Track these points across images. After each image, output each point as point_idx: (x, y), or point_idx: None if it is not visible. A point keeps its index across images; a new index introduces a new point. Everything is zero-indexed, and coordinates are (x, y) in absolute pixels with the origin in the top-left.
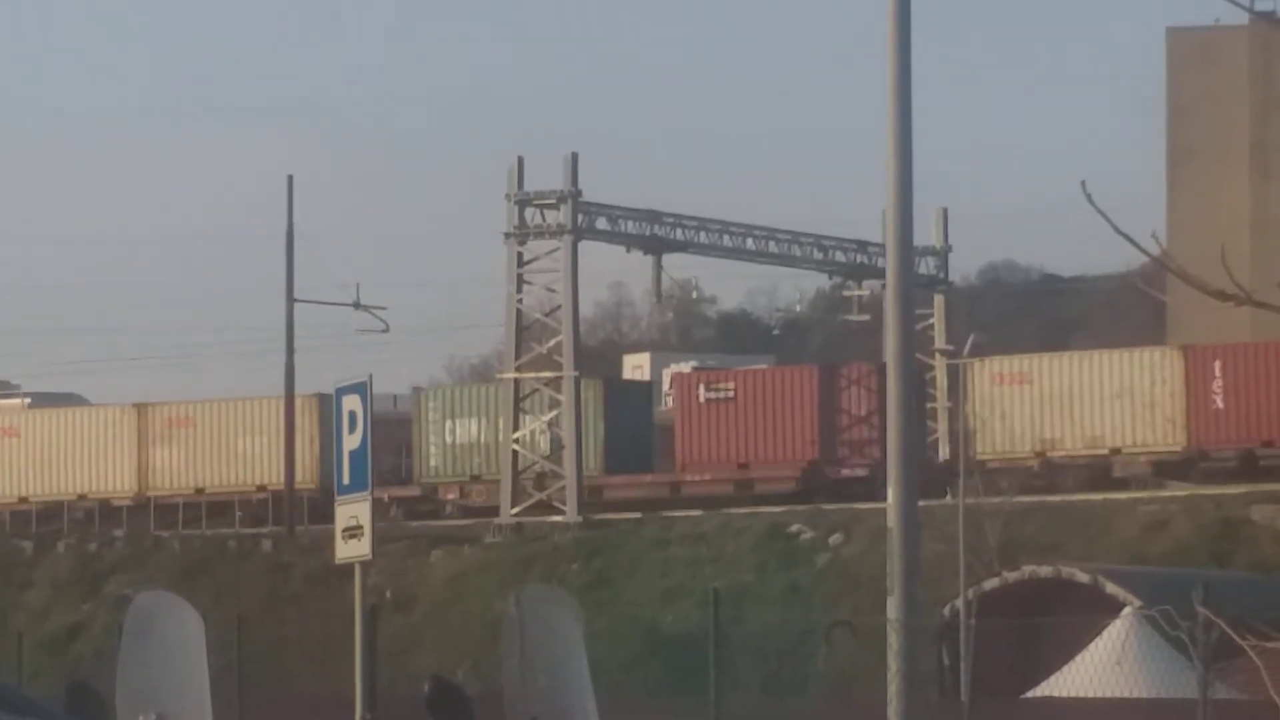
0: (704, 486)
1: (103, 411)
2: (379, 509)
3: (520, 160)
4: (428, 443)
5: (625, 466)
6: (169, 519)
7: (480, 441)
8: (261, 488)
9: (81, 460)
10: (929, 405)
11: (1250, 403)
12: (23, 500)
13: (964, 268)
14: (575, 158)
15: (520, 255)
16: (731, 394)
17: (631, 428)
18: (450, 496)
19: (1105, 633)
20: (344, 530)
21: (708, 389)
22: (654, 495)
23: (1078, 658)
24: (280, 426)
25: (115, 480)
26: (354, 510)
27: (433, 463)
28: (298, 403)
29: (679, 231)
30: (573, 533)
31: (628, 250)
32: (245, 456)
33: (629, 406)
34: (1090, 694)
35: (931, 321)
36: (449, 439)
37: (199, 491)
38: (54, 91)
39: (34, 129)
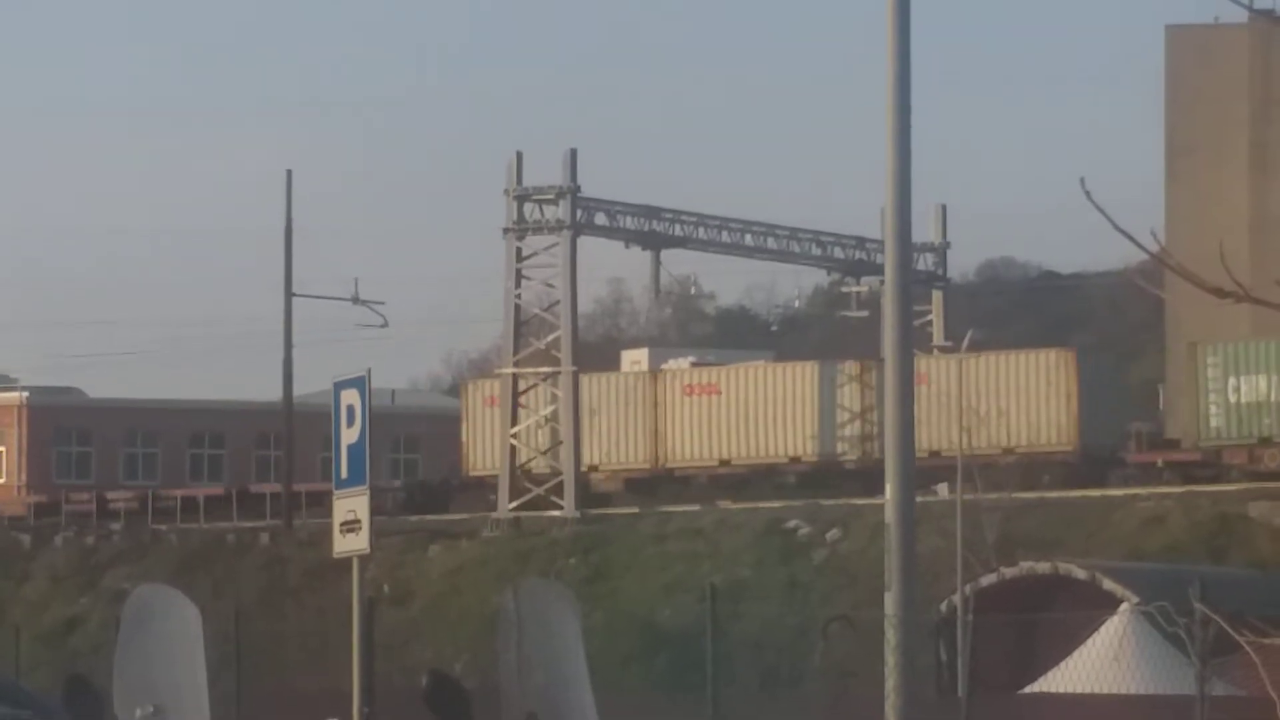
0: None
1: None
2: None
3: (519, 155)
4: (1207, 402)
5: None
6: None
7: (1271, 400)
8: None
9: (775, 419)
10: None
11: None
12: (724, 463)
13: (962, 264)
14: (574, 153)
15: (519, 250)
16: None
17: None
18: (1236, 461)
19: (1103, 629)
20: (342, 524)
21: None
22: None
23: (1075, 653)
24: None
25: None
26: (352, 504)
27: (1214, 424)
28: (1051, 356)
29: (678, 227)
30: (570, 527)
31: (626, 246)
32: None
33: None
34: (1087, 690)
35: (930, 318)
36: (1233, 398)
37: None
38: (50, 86)
39: (30, 123)
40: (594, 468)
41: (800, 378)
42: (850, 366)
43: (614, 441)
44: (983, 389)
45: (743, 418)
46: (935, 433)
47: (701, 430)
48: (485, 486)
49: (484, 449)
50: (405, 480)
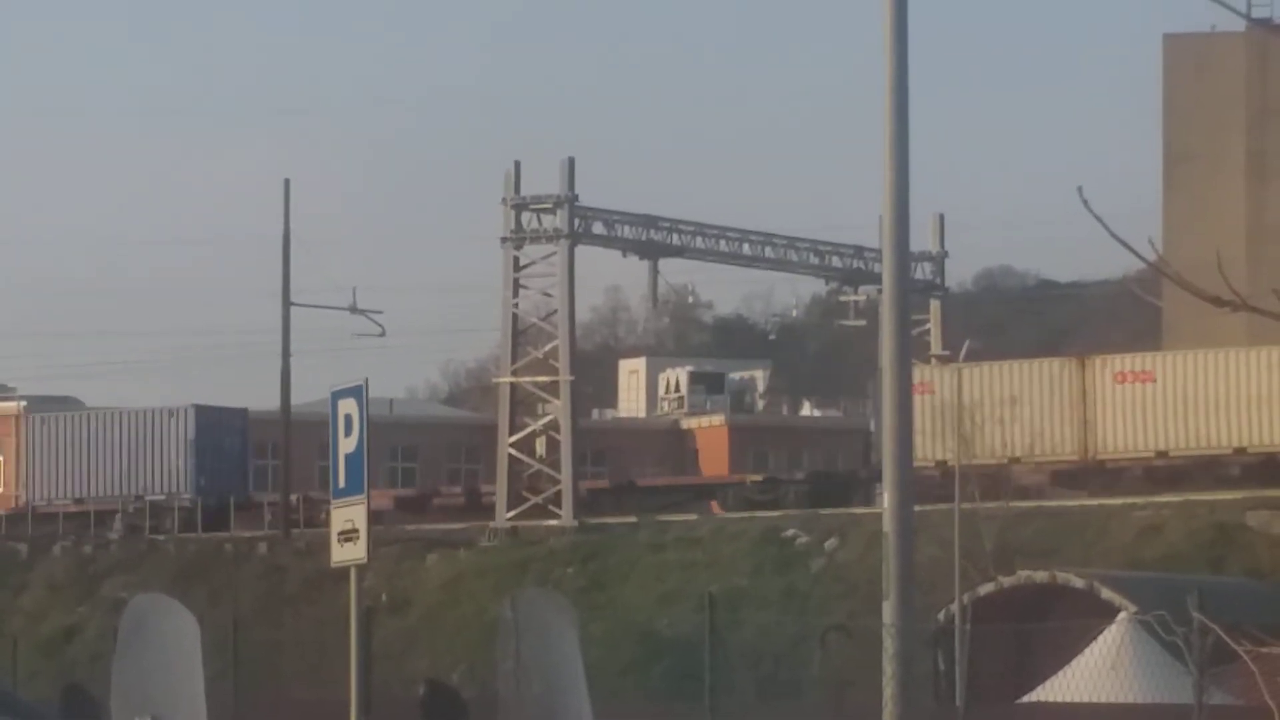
0: None
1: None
2: None
3: (517, 164)
4: None
5: None
6: None
7: None
8: None
9: (1217, 408)
10: None
11: None
12: (1160, 454)
13: (960, 273)
14: (572, 162)
15: (517, 260)
16: None
17: None
18: None
19: (1101, 638)
20: (340, 534)
21: None
22: None
23: (1073, 663)
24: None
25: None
26: (350, 514)
27: None
28: None
29: (675, 236)
30: (568, 537)
31: (624, 255)
32: None
33: None
34: (1085, 699)
35: (928, 327)
36: None
37: None
38: (48, 93)
39: (28, 130)
40: (1016, 459)
41: (1243, 364)
42: None
43: (1038, 432)
44: None
45: (1181, 406)
46: None
47: (1135, 419)
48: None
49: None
50: (809, 471)
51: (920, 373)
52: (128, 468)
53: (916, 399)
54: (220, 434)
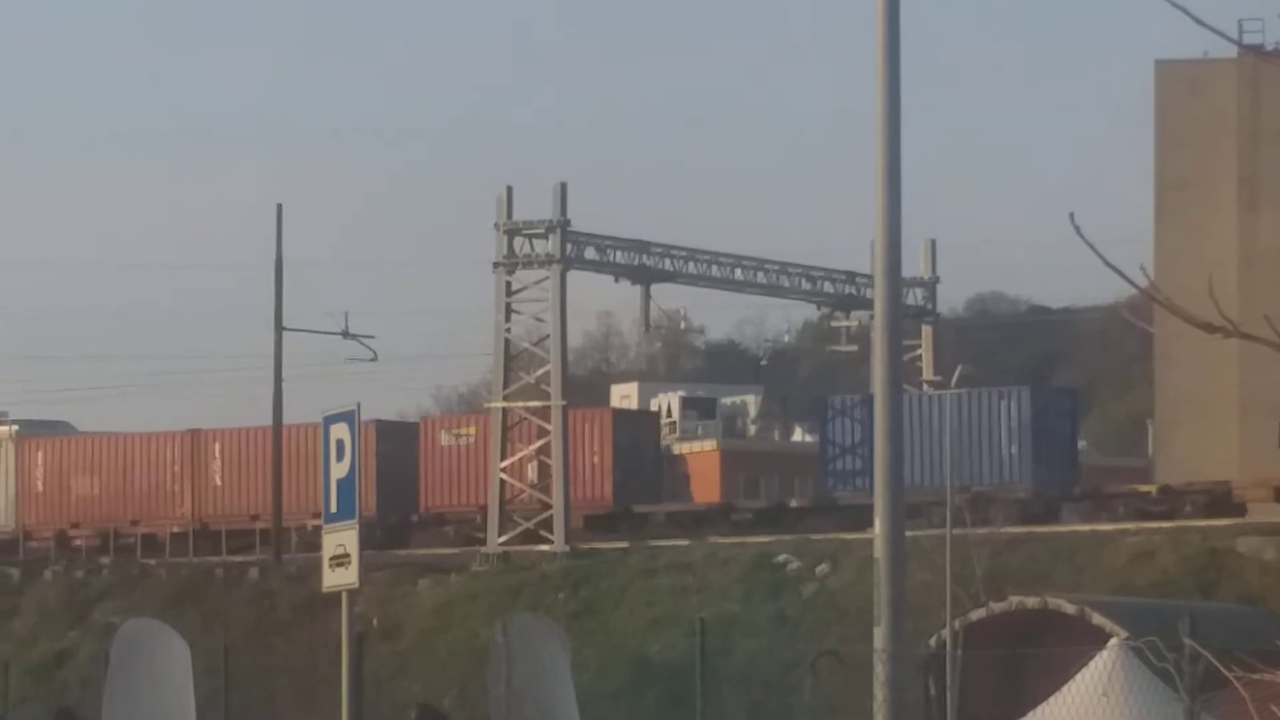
0: None
1: None
2: None
3: (509, 190)
4: None
5: None
6: None
7: None
8: None
9: None
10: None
11: None
12: None
13: (952, 299)
14: (564, 187)
15: (509, 285)
16: None
17: None
18: None
19: (1091, 664)
20: (331, 559)
21: None
22: None
23: (1064, 689)
24: None
25: None
26: (341, 539)
27: None
28: None
29: (668, 261)
30: (560, 562)
31: (616, 280)
32: None
33: None
34: None
35: (919, 353)
36: None
37: None
38: (41, 118)
39: (17, 154)
40: None
41: None
42: None
43: None
44: None
45: None
46: None
47: None
48: None
49: None
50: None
51: None
52: (956, 454)
53: None
54: (1051, 417)
